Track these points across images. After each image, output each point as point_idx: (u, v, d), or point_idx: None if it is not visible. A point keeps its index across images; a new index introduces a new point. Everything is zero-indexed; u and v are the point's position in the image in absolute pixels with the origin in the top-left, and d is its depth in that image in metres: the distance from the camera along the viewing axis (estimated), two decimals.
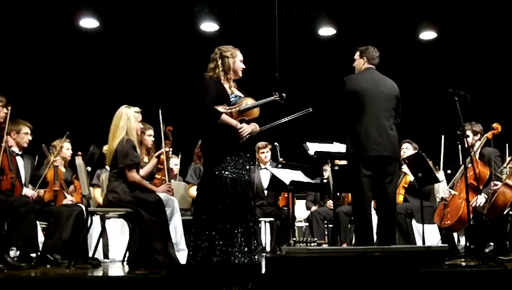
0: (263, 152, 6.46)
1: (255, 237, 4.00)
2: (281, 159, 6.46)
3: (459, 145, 5.66)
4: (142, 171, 4.79)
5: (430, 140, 6.39)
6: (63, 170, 5.45)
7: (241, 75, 4.12)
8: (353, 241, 5.93)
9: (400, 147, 5.20)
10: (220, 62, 4.06)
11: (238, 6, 7.86)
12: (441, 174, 5.96)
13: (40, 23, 7.71)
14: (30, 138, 5.01)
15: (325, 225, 6.42)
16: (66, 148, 5.52)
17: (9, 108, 4.69)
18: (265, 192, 6.37)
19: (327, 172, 6.84)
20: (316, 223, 6.32)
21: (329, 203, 6.28)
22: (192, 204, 5.78)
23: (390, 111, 4.60)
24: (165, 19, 7.92)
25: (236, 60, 4.09)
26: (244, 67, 4.11)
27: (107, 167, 5.77)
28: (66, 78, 8.20)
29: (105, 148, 5.67)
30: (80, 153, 5.38)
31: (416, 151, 5.93)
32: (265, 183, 6.31)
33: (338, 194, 6.63)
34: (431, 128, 7.71)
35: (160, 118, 5.16)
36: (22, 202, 4.51)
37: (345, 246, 5.99)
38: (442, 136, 5.85)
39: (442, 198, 5.51)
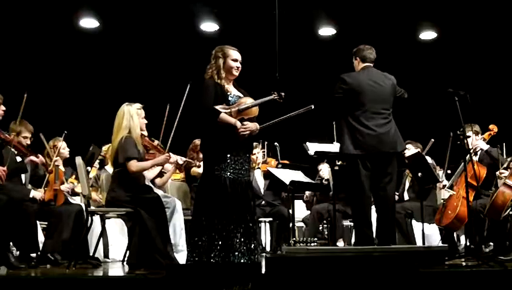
0: (254, 153, 6.45)
1: (255, 237, 4.00)
2: (285, 161, 6.45)
3: (461, 146, 5.65)
4: (160, 181, 4.97)
5: (430, 140, 6.39)
6: (63, 169, 5.45)
7: (235, 74, 4.10)
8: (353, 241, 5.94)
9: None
10: (213, 62, 4.09)
11: (238, 6, 7.86)
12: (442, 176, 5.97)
13: (40, 23, 7.71)
14: (29, 142, 4.99)
15: (324, 225, 6.44)
16: (62, 147, 5.50)
17: (25, 96, 4.67)
18: (262, 191, 6.37)
19: (322, 172, 6.86)
20: (313, 222, 6.36)
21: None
22: (192, 198, 5.80)
23: (388, 109, 4.61)
24: (165, 19, 7.92)
25: (228, 59, 4.07)
26: (238, 66, 4.08)
27: (107, 168, 5.79)
28: (66, 78, 8.19)
29: (104, 148, 5.67)
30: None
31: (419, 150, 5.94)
32: (260, 183, 6.33)
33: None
34: (431, 129, 7.71)
35: (166, 114, 5.15)
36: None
37: (341, 243, 6.01)
38: (451, 133, 5.79)
39: (442, 199, 5.54)
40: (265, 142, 6.67)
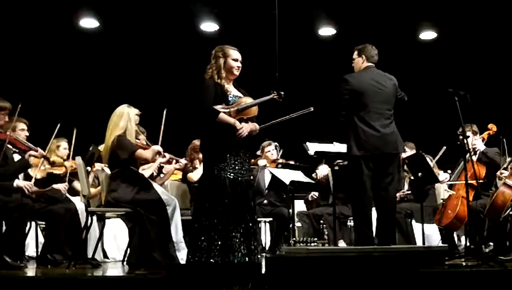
0: (269, 150, 6.45)
1: (255, 237, 3.99)
2: (285, 160, 6.45)
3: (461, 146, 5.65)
4: (160, 181, 5.06)
5: (430, 140, 6.39)
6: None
7: (236, 74, 4.10)
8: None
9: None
10: (213, 62, 4.08)
11: (238, 6, 7.86)
12: (442, 175, 5.98)
13: (40, 23, 7.71)
14: (27, 134, 4.95)
15: (324, 225, 6.45)
16: (63, 147, 5.46)
17: (18, 106, 4.66)
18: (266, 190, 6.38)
19: (320, 171, 6.86)
20: (311, 223, 6.37)
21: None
22: (191, 202, 5.80)
23: (390, 109, 4.61)
24: (165, 19, 7.92)
25: (228, 59, 4.06)
26: (238, 66, 4.08)
27: (106, 169, 5.77)
28: (66, 78, 8.20)
29: (100, 148, 5.66)
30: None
31: (414, 151, 5.95)
32: (267, 181, 6.33)
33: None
34: (431, 129, 7.72)
35: (163, 119, 5.14)
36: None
37: (342, 243, 6.01)
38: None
39: (442, 199, 5.55)
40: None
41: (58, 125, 5.05)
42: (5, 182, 4.63)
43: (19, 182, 4.73)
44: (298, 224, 6.93)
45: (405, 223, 5.73)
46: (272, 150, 6.46)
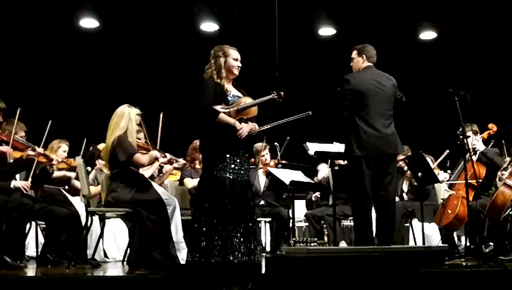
0: (263, 155, 6.43)
1: (255, 237, 3.99)
2: (283, 161, 6.45)
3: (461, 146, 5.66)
4: (158, 180, 5.06)
5: (430, 140, 6.38)
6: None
7: (236, 73, 4.09)
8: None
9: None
10: (212, 62, 4.07)
11: (238, 6, 7.86)
12: (441, 174, 5.98)
13: (40, 23, 7.72)
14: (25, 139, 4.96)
15: (323, 226, 6.45)
16: (63, 149, 5.46)
17: (18, 110, 4.65)
18: (262, 190, 6.36)
19: (322, 172, 6.86)
20: (311, 224, 6.37)
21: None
22: (191, 203, 5.80)
23: (390, 110, 4.61)
24: (165, 19, 7.93)
25: (228, 58, 4.06)
26: (238, 66, 4.07)
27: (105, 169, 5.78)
28: (66, 78, 8.20)
29: (99, 147, 5.66)
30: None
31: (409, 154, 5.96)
32: (261, 182, 6.33)
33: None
34: (431, 129, 7.72)
35: (160, 122, 5.14)
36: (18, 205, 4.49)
37: (344, 244, 6.00)
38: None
39: (442, 199, 5.55)
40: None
41: (50, 122, 5.02)
42: (5, 182, 4.64)
43: (16, 182, 4.73)
44: (298, 224, 6.94)
45: (398, 222, 5.71)
46: (266, 155, 6.44)
